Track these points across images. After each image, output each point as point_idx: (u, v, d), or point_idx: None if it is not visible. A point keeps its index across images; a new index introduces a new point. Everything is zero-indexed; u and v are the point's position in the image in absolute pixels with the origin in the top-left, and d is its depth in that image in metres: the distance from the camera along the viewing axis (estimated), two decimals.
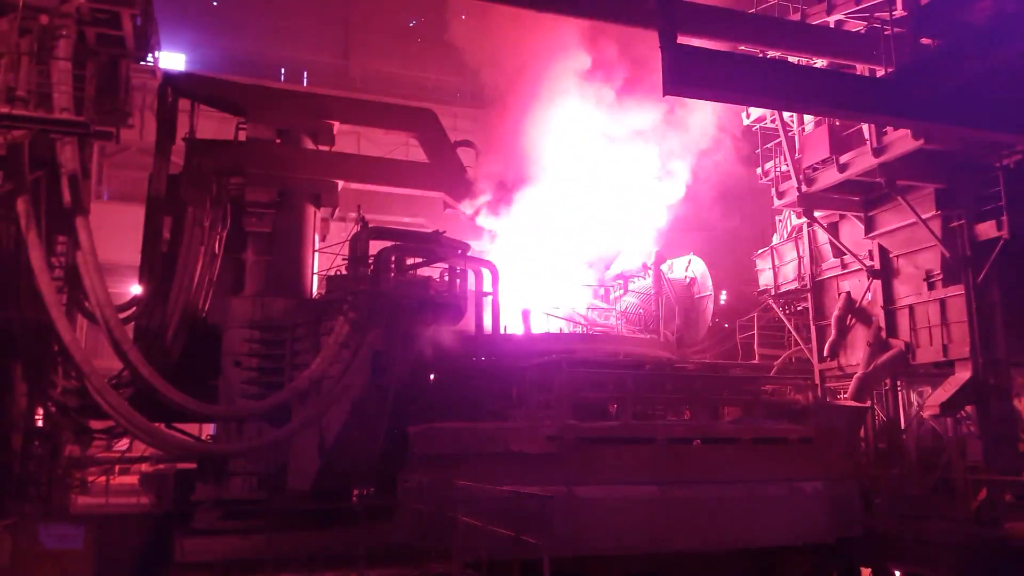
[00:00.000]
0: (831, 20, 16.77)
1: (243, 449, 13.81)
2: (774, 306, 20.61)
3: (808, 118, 18.24)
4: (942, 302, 16.06)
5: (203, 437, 16.79)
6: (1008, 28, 12.30)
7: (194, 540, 12.06)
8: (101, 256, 13.27)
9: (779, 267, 20.44)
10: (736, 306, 21.61)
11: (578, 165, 19.23)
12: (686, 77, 11.91)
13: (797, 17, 17.54)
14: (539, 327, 17.45)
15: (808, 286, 19.37)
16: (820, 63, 16.61)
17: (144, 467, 17.02)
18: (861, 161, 16.28)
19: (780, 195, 18.81)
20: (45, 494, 13.96)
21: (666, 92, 11.94)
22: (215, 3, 32.90)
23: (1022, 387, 17.04)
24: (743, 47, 15.66)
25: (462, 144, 18.26)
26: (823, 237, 19.14)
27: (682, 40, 12.16)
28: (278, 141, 16.14)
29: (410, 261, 14.61)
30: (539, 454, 13.20)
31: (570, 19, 16.87)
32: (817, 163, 17.46)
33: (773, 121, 19.01)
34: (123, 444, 15.78)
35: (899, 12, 14.53)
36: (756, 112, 19.62)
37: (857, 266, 18.01)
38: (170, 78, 16.48)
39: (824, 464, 14.91)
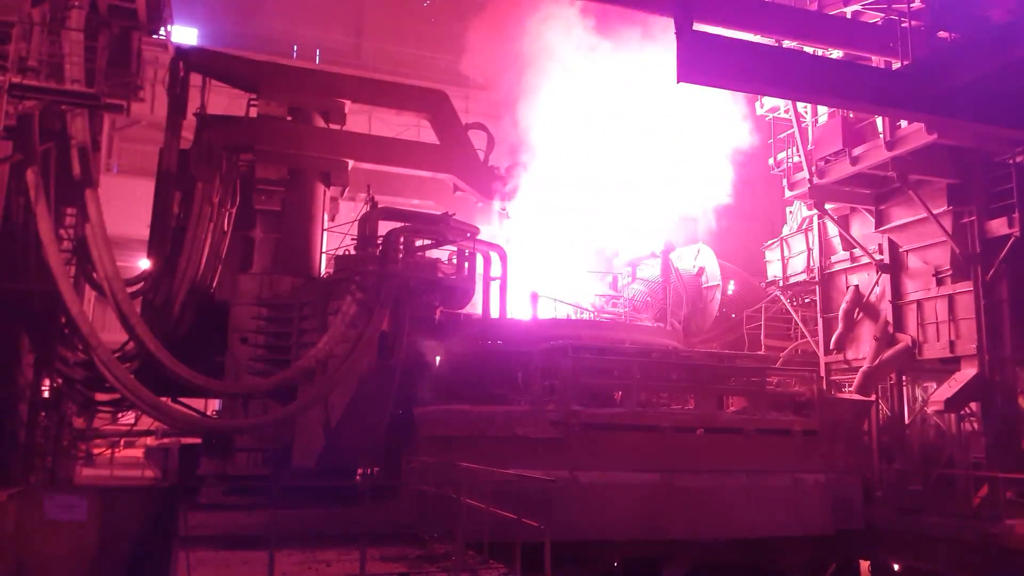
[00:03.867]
0: (848, 11, 16.64)
1: (248, 425, 13.87)
2: (782, 298, 20.56)
3: (822, 109, 18.15)
4: (950, 298, 16.01)
5: (209, 412, 16.85)
6: None
7: (198, 514, 12.11)
8: (110, 229, 13.29)
9: (788, 259, 20.36)
10: (744, 296, 21.54)
11: (590, 150, 19.19)
12: (700, 65, 11.85)
13: (814, 7, 17.39)
14: (546, 312, 17.45)
15: (816, 278, 19.31)
16: (836, 54, 16.50)
17: (149, 441, 17.12)
18: (874, 154, 16.19)
19: (791, 186, 18.73)
20: (50, 465, 14.06)
21: (680, 79, 11.88)
22: None
23: None
24: (759, 36, 15.55)
25: (474, 126, 18.20)
26: (833, 230, 19.07)
27: (698, 27, 12.10)
28: (289, 119, 16.09)
29: (419, 243, 14.59)
30: (543, 438, 13.25)
31: (586, 3, 16.83)
32: (829, 155, 17.36)
33: (787, 111, 18.91)
34: (129, 417, 15.88)
35: (916, 4, 14.41)
36: (770, 102, 19.51)
37: (866, 260, 17.94)
38: (182, 52, 16.41)
39: (827, 457, 14.96)
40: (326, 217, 16.69)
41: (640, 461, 13.70)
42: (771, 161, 19.56)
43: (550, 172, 18.89)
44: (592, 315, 18.67)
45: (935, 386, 16.70)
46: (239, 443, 14.03)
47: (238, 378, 14.28)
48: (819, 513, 14.49)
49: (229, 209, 14.83)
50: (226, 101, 17.63)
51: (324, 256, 16.28)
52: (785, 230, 21.12)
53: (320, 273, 15.85)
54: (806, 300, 20.51)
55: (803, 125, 18.35)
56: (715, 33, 12.82)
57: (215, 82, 16.35)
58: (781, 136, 19.23)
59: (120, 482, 15.10)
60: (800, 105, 18.33)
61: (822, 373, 18.35)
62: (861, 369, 17.16)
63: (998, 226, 15.29)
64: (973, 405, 15.65)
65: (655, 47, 17.96)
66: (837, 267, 19.02)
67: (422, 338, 14.21)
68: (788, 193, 18.98)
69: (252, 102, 16.26)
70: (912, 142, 15.25)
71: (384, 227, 14.53)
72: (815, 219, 19.45)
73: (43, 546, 12.44)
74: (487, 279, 15.94)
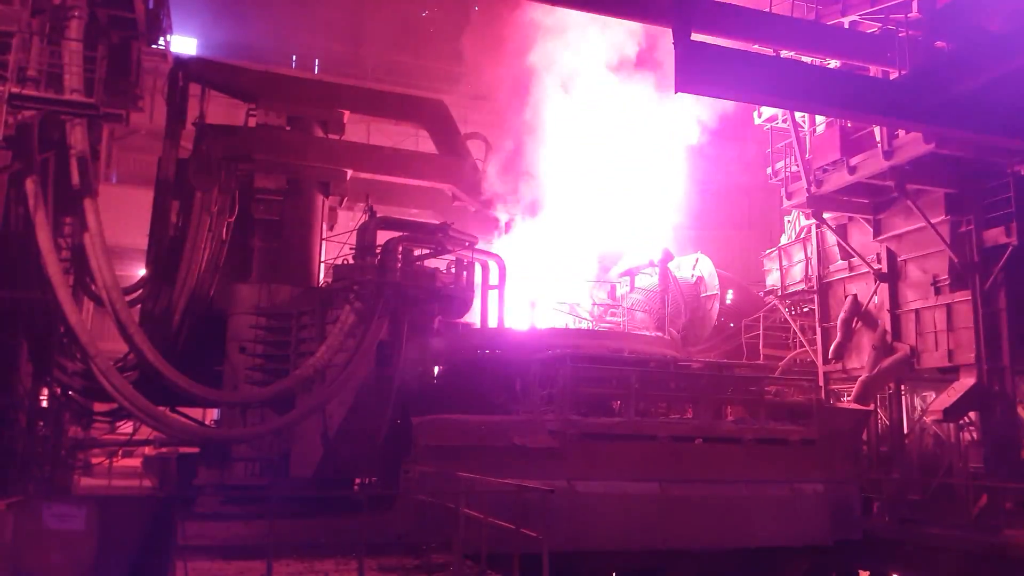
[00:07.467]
0: (845, 21, 16.66)
1: (246, 435, 13.83)
2: (780, 307, 20.57)
3: (819, 119, 18.17)
4: (949, 307, 16.00)
5: (207, 422, 16.83)
6: None
7: (196, 524, 12.08)
8: (108, 239, 13.30)
9: (786, 268, 20.37)
10: (742, 306, 21.53)
11: (589, 160, 19.23)
12: (699, 74, 11.85)
13: (812, 17, 17.44)
14: (545, 321, 17.44)
15: (815, 287, 19.31)
16: (834, 64, 16.53)
17: (147, 450, 17.09)
18: (871, 164, 16.21)
19: (789, 195, 18.75)
20: (48, 474, 14.02)
21: (678, 89, 11.89)
22: None
23: None
24: (757, 46, 15.58)
25: (472, 136, 18.24)
26: (831, 239, 19.07)
27: (696, 37, 12.12)
28: (288, 128, 16.12)
29: (417, 252, 14.60)
30: (541, 448, 13.23)
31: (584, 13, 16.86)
32: (827, 164, 17.38)
33: (784, 121, 18.95)
34: (127, 427, 15.85)
35: (914, 14, 14.46)
36: (768, 111, 19.56)
37: (864, 269, 17.94)
38: (181, 62, 16.44)
39: (826, 466, 14.92)
40: (325, 226, 16.71)
41: (638, 471, 13.68)
42: (769, 170, 19.60)
43: (549, 179, 18.91)
44: (590, 324, 18.66)
45: (934, 395, 16.70)
46: (237, 453, 14.00)
47: (236, 387, 14.26)
48: (818, 523, 14.45)
49: (228, 218, 14.86)
50: (225, 111, 17.66)
51: (323, 265, 16.29)
52: (783, 239, 21.15)
53: (319, 282, 15.85)
54: (805, 309, 20.51)
55: (801, 135, 18.38)
56: (713, 43, 12.84)
57: (214, 92, 16.39)
58: (779, 146, 19.26)
59: (118, 492, 15.06)
60: (798, 115, 18.36)
61: (821, 382, 18.34)
62: (860, 378, 17.16)
63: (995, 235, 15.31)
64: (972, 414, 15.64)
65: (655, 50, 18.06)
66: (835, 276, 19.02)
67: (421, 347, 14.20)
68: (786, 202, 19.00)
69: (251, 112, 16.30)
70: (910, 152, 15.26)
71: (383, 236, 14.54)
72: (813, 228, 19.46)
73: (41, 555, 12.40)
74: (486, 288, 15.94)
